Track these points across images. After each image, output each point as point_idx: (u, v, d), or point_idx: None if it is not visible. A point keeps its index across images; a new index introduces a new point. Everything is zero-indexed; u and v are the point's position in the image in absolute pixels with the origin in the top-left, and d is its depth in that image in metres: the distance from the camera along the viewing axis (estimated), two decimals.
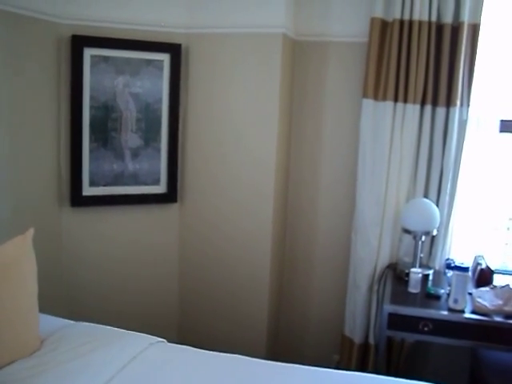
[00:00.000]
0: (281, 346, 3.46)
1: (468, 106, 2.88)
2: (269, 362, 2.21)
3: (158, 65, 2.97)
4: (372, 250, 3.03)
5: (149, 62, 2.95)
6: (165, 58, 2.97)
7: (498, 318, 2.46)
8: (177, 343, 2.32)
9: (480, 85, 2.89)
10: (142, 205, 3.07)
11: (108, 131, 2.92)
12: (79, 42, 2.77)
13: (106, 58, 2.84)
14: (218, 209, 3.15)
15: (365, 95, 2.93)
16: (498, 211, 3.06)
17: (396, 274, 2.93)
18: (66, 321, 2.36)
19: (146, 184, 3.05)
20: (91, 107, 2.85)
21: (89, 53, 2.80)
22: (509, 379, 2.37)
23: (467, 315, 2.49)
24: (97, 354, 2.03)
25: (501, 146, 2.98)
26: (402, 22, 2.82)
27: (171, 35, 2.98)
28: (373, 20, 2.88)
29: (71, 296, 2.99)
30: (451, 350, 3.06)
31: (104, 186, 2.95)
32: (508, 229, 3.19)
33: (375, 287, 3.04)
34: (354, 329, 3.14)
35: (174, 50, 2.97)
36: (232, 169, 3.09)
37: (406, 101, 2.88)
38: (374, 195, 2.99)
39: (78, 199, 2.90)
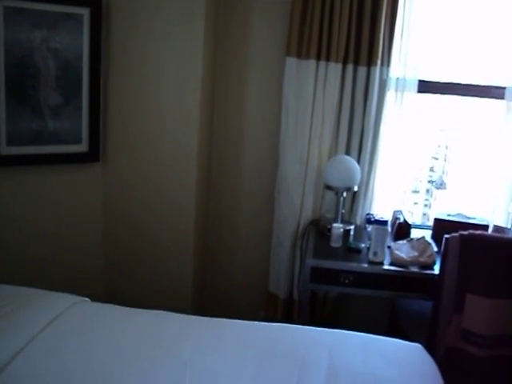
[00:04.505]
0: (207, 306, 3.50)
1: (388, 65, 2.95)
2: (195, 316, 2.22)
3: (77, 19, 2.84)
4: (295, 208, 3.09)
5: (68, 15, 2.81)
6: (85, 12, 2.85)
7: (413, 269, 2.59)
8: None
9: (400, 45, 2.95)
10: (63, 164, 2.98)
11: (26, 88, 2.77)
12: None
13: (20, 10, 2.68)
14: (141, 168, 3.10)
15: (288, 53, 2.94)
16: (414, 170, 3.18)
17: (318, 230, 3.01)
18: None
19: (67, 143, 2.94)
20: (6, 63, 2.70)
21: (1, 4, 2.65)
22: (422, 325, 2.51)
23: (386, 267, 2.60)
24: (18, 314, 2.00)
25: (419, 106, 3.07)
26: None
27: None
28: None
29: None
30: (372, 301, 3.20)
31: (23, 145, 2.83)
32: (418, 191, 3.33)
33: (298, 243, 3.11)
34: (279, 285, 3.22)
35: (95, 4, 2.86)
36: (155, 127, 3.03)
37: (328, 59, 2.91)
38: (297, 153, 3.04)
39: None
